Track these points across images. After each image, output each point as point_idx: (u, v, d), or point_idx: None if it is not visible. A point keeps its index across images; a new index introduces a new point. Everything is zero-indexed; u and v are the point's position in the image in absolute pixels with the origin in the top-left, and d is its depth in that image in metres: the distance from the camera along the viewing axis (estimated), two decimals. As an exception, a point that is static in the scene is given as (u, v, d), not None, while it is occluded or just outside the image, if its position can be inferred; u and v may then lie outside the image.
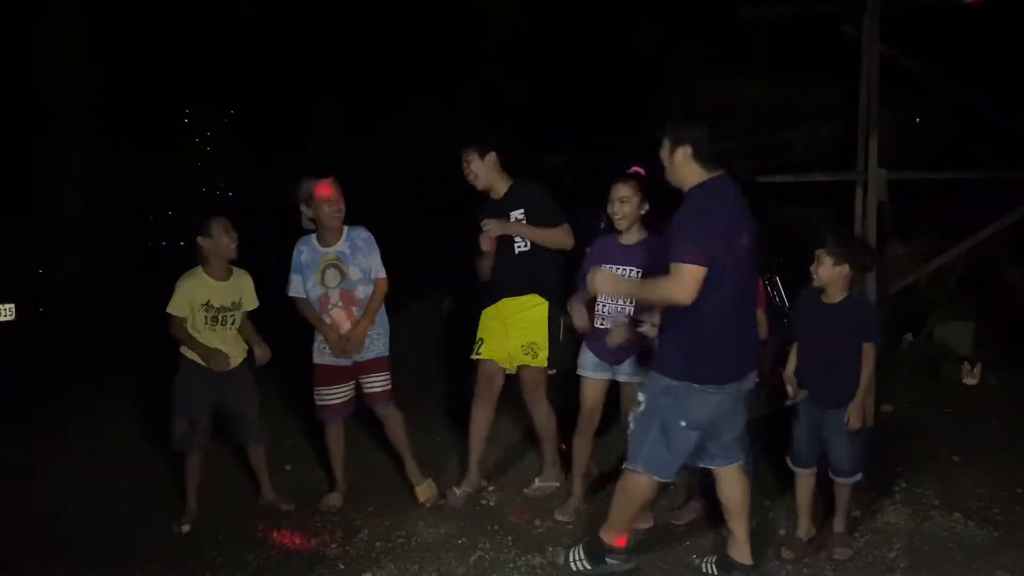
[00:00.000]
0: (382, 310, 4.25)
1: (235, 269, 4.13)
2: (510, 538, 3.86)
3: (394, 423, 4.30)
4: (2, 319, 6.86)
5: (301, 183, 4.13)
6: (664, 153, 3.17)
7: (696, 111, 3.25)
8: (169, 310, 3.96)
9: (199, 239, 4.01)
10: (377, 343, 4.23)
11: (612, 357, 3.93)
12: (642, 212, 3.84)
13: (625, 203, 3.81)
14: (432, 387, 6.02)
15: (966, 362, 6.36)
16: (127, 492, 4.36)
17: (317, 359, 4.22)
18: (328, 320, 4.14)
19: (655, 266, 3.75)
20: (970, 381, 6.25)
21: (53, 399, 5.75)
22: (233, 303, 4.08)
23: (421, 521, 4.04)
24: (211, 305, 4.01)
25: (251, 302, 4.20)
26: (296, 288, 4.18)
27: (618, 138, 11.02)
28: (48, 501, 4.22)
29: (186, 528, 3.95)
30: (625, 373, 3.94)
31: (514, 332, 4.23)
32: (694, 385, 3.08)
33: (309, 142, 12.75)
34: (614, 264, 3.86)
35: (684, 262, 2.93)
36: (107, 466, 4.66)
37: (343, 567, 3.62)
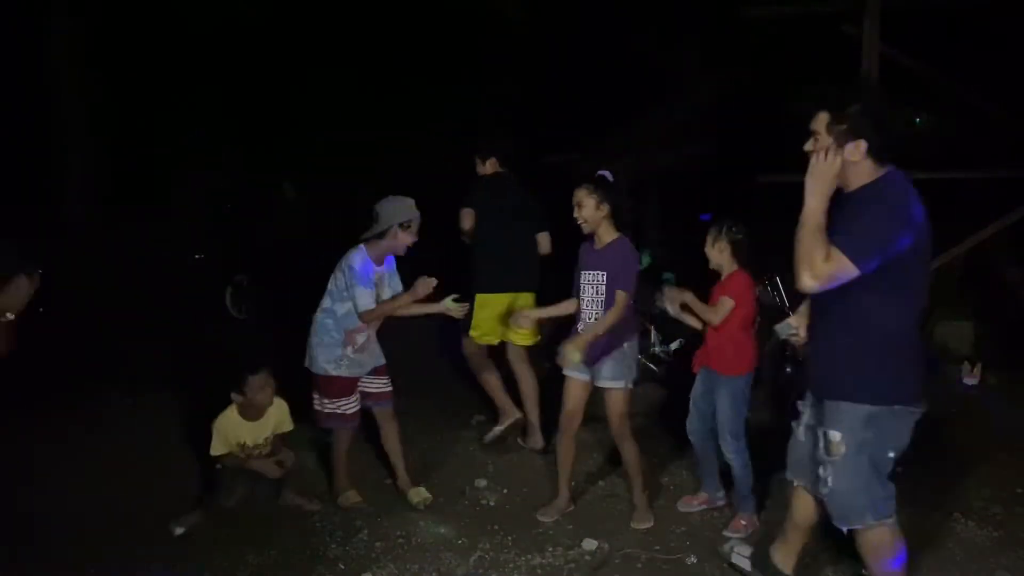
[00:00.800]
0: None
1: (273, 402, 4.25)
2: (510, 538, 3.87)
3: (391, 426, 4.34)
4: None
5: (399, 200, 4.06)
6: (824, 151, 2.66)
7: (864, 96, 2.76)
8: (212, 452, 4.11)
9: (233, 395, 4.14)
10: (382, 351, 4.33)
11: (588, 358, 3.89)
12: (602, 214, 3.83)
13: (582, 208, 3.83)
14: (431, 388, 6.02)
15: (966, 362, 6.37)
16: (127, 492, 4.35)
17: (335, 371, 4.11)
18: (363, 337, 4.14)
19: (623, 267, 3.81)
20: (970, 381, 6.26)
21: (53, 399, 5.74)
22: (265, 439, 4.22)
23: (421, 521, 4.04)
24: (245, 444, 4.17)
25: (285, 426, 4.30)
26: (370, 302, 4.04)
27: (617, 138, 11.03)
28: (48, 501, 4.22)
29: (180, 530, 3.93)
30: (603, 377, 3.92)
31: None
32: (897, 407, 2.69)
33: (310, 141, 12.75)
34: (589, 269, 3.90)
35: (845, 253, 2.52)
36: (107, 466, 4.65)
37: (343, 567, 3.62)
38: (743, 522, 3.89)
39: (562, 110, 11.39)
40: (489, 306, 4.83)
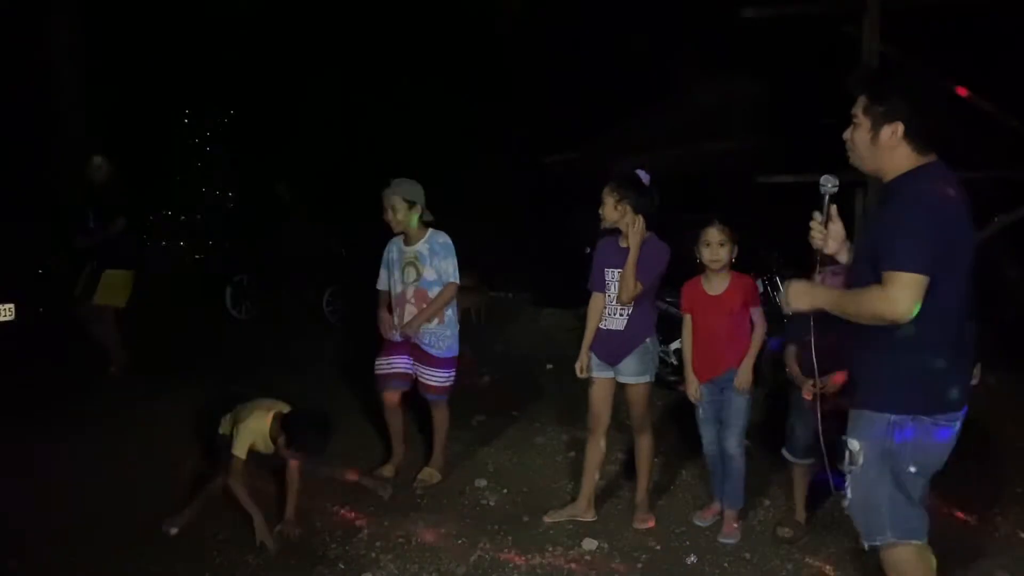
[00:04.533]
0: (453, 315, 4.51)
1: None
2: (510, 538, 3.87)
3: (440, 415, 4.57)
4: (2, 319, 6.85)
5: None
6: (860, 134, 2.54)
7: (905, 78, 2.59)
8: (235, 452, 3.82)
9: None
10: (442, 344, 4.45)
11: (609, 356, 3.92)
12: (619, 214, 3.81)
13: (603, 206, 3.83)
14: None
15: (966, 362, 6.35)
16: (127, 492, 4.35)
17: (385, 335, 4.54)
18: (398, 315, 4.46)
19: (648, 266, 3.80)
20: (970, 381, 6.25)
21: (53, 399, 5.75)
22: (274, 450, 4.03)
23: (421, 521, 4.04)
24: (261, 453, 3.98)
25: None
26: (382, 283, 4.57)
27: (617, 138, 11.03)
28: (48, 501, 4.22)
29: (174, 530, 3.91)
30: (628, 374, 3.93)
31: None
32: (924, 418, 2.47)
33: (307, 142, 12.75)
34: (613, 267, 3.88)
35: (904, 270, 2.32)
36: (107, 466, 4.65)
37: (343, 567, 3.62)
38: (735, 525, 3.88)
39: (562, 110, 11.39)
40: (117, 278, 6.37)
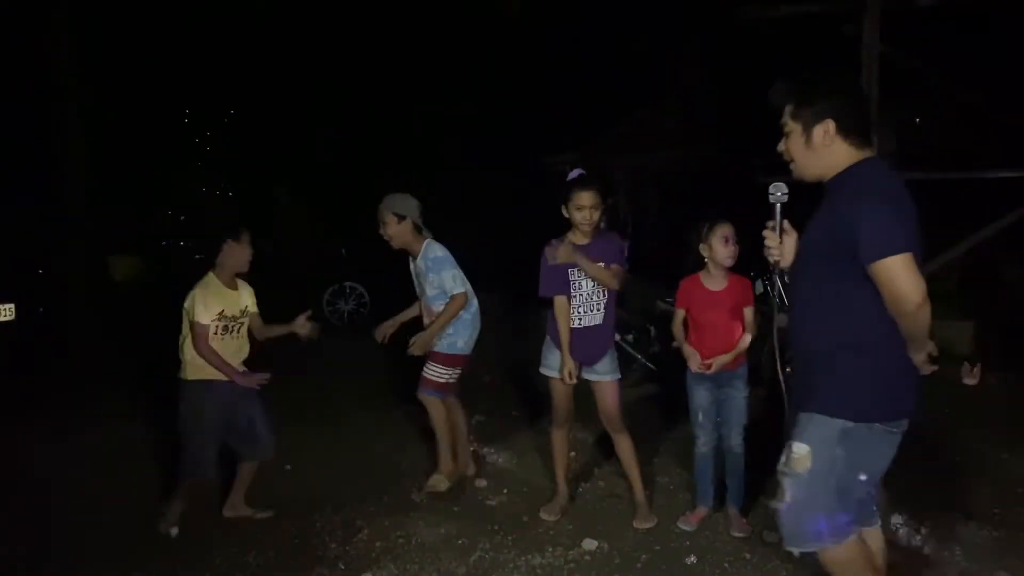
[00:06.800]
0: (467, 315, 4.39)
1: (239, 280, 4.10)
2: (510, 538, 3.87)
3: (431, 411, 4.42)
4: (2, 319, 6.86)
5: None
6: (794, 140, 2.50)
7: (824, 77, 2.54)
8: (198, 319, 3.85)
9: (229, 241, 3.97)
10: (443, 341, 4.36)
11: (584, 357, 3.94)
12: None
13: (595, 210, 3.84)
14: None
15: (966, 362, 6.37)
16: (127, 492, 4.35)
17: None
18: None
19: (620, 253, 3.89)
20: (970, 381, 6.26)
21: (53, 399, 5.75)
22: (241, 311, 4.06)
23: (421, 521, 4.04)
24: (224, 315, 3.97)
25: (253, 306, 4.17)
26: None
27: (617, 138, 11.02)
28: (48, 501, 4.22)
29: (175, 530, 3.90)
30: (601, 372, 3.97)
31: None
32: (877, 425, 2.39)
33: (308, 143, 12.76)
34: (577, 266, 3.89)
35: (894, 253, 2.22)
36: (107, 466, 4.66)
37: (343, 567, 3.62)
38: (743, 520, 3.90)
39: (562, 110, 11.39)
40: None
